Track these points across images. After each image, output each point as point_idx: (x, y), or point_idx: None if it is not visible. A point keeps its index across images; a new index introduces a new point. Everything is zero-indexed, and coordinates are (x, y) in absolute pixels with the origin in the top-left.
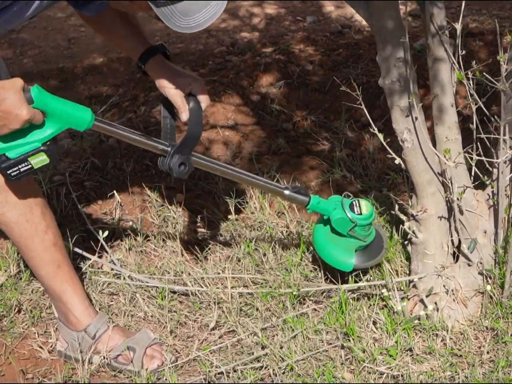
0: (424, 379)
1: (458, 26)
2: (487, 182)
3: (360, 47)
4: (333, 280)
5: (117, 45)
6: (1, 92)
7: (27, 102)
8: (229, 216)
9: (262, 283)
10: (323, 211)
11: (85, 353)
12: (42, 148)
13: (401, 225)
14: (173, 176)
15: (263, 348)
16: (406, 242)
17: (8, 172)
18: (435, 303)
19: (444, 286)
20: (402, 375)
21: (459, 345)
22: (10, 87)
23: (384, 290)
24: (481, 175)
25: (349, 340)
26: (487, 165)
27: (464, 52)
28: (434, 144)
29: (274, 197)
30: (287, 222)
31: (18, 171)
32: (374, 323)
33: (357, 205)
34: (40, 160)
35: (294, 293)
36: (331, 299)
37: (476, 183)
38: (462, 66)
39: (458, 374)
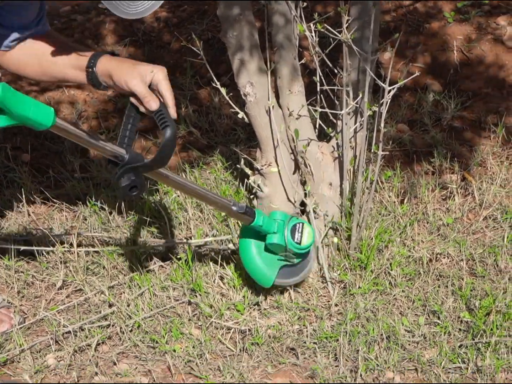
0: (272, 333)
1: None
2: (332, 134)
3: (205, 3)
4: (180, 236)
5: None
6: None
7: None
8: (75, 175)
9: (108, 241)
10: (262, 231)
11: None
12: None
13: (246, 180)
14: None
15: (110, 306)
16: (252, 196)
17: None
18: None
19: None
20: (249, 330)
21: (307, 299)
22: None
23: (230, 245)
24: (325, 127)
25: (196, 296)
26: (332, 117)
27: (305, 4)
28: (278, 97)
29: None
30: None
31: None
32: (221, 278)
33: (300, 230)
34: None
35: (141, 250)
36: (178, 255)
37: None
38: (304, 19)
39: (306, 327)
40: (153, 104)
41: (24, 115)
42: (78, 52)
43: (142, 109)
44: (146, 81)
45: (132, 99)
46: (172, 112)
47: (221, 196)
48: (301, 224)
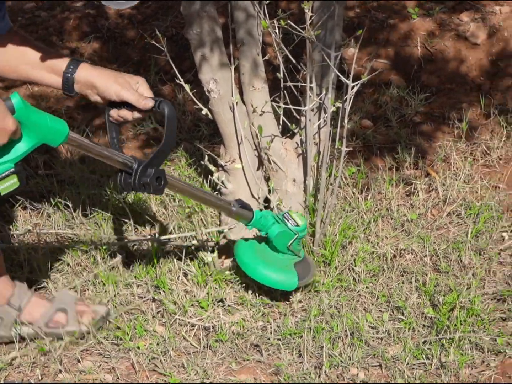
0: (235, 330)
1: None
2: (295, 130)
3: None
4: (144, 232)
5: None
6: None
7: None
8: (39, 172)
9: (72, 238)
10: (263, 226)
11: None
12: (14, 169)
13: (210, 176)
14: (146, 192)
15: None
16: (216, 193)
17: None
18: None
19: (255, 235)
20: (213, 326)
21: (271, 295)
22: None
23: (194, 242)
24: (289, 124)
25: (160, 293)
26: (295, 114)
27: (269, 1)
28: (242, 94)
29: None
30: (98, 176)
31: None
32: (185, 275)
33: (289, 217)
34: (10, 184)
35: (105, 247)
36: (142, 252)
37: (287, 133)
38: (267, 15)
39: (270, 324)
40: (149, 102)
41: (43, 124)
42: (51, 55)
43: (126, 116)
44: (135, 90)
45: (113, 112)
46: None
47: (220, 198)
48: (286, 213)
